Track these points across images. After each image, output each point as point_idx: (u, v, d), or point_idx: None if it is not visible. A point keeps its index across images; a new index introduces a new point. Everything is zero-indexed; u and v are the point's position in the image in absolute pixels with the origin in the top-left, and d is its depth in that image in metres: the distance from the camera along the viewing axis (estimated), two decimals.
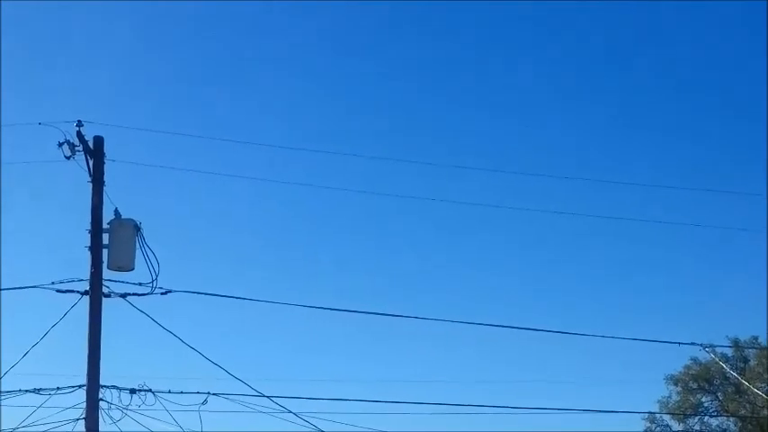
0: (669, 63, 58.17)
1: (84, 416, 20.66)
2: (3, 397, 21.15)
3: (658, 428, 47.36)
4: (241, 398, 21.83)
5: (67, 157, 20.80)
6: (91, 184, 21.09)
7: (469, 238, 55.58)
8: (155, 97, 54.29)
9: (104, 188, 21.13)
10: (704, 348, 30.43)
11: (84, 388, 20.64)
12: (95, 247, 20.88)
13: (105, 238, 20.92)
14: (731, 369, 44.90)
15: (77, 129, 20.67)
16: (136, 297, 21.08)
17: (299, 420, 22.20)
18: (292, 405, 22.09)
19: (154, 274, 21.00)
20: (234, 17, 54.63)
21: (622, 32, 58.09)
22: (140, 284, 21.04)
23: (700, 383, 46.93)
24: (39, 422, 21.26)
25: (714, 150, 58.51)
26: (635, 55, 59.17)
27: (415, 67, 58.22)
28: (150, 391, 21.29)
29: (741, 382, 43.94)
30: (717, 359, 41.18)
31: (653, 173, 56.87)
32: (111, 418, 20.98)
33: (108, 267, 20.90)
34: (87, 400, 20.60)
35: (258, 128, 53.77)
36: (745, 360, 46.40)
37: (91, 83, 51.59)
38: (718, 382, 46.53)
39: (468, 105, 57.86)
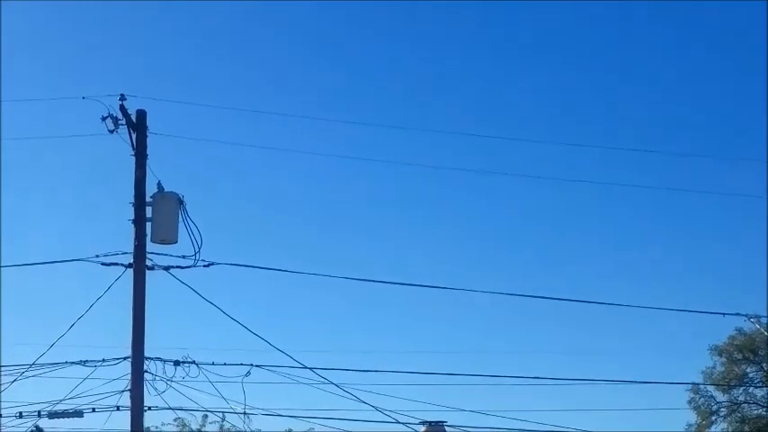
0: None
1: (129, 387, 20.83)
2: (50, 369, 21.39)
3: (702, 399, 47.14)
4: (283, 369, 21.97)
5: (111, 131, 20.91)
6: (134, 158, 21.19)
7: (509, 209, 55.40)
8: (197, 70, 54.36)
9: (147, 161, 21.21)
10: (749, 319, 30.16)
11: (129, 360, 20.79)
12: (139, 221, 20.99)
13: (149, 212, 21.02)
14: None
15: (120, 103, 20.75)
16: (179, 270, 21.21)
17: (340, 392, 22.29)
18: (334, 377, 22.20)
19: (197, 247, 21.12)
20: None
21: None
22: (183, 257, 21.16)
23: (744, 354, 46.62)
24: (84, 393, 21.51)
25: None
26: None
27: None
28: (194, 362, 21.46)
29: None
30: (762, 330, 40.85)
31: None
32: (155, 389, 21.15)
33: (151, 240, 21.00)
34: (132, 372, 20.76)
35: (299, 101, 53.74)
36: None
37: (134, 57, 51.79)
38: (763, 352, 46.20)
39: None
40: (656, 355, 43.93)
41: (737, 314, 26.09)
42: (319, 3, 55.07)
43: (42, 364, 21.25)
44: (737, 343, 46.33)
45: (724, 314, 25.23)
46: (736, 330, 45.56)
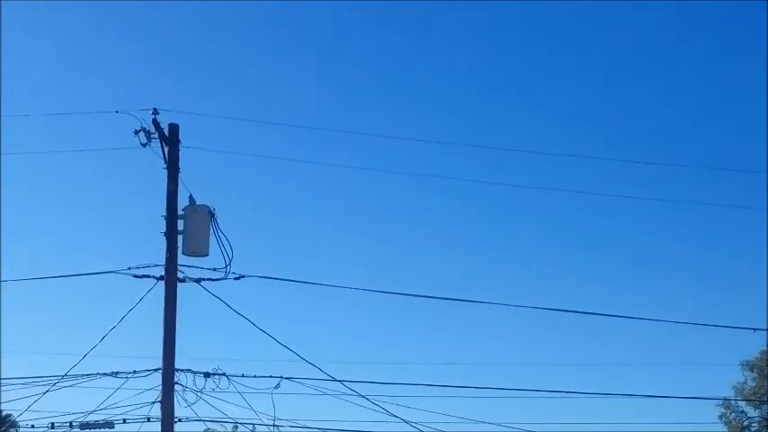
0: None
1: (159, 399, 20.99)
2: (82, 380, 21.58)
3: (733, 414, 46.92)
4: (313, 382, 22.07)
5: (143, 145, 21.08)
6: (166, 171, 21.37)
7: (533, 222, 55.34)
8: (228, 84, 54.66)
9: (179, 174, 21.38)
10: None
11: (160, 371, 20.95)
12: (170, 233, 21.16)
13: (180, 224, 21.19)
14: None
15: (153, 117, 20.90)
16: (210, 282, 21.37)
17: (369, 404, 22.37)
18: (363, 389, 22.29)
19: (227, 260, 21.26)
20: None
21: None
22: (214, 270, 21.31)
23: None
24: (116, 404, 21.67)
25: None
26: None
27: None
28: (224, 374, 21.61)
29: None
30: None
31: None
32: (185, 400, 21.32)
33: (183, 253, 21.16)
34: (163, 384, 20.91)
35: (328, 114, 53.96)
36: None
37: (167, 70, 52.13)
38: None
39: None
40: (688, 370, 43.82)
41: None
42: (348, 17, 55.27)
43: (74, 375, 21.49)
44: None
45: (755, 329, 25.18)
46: None
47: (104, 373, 21.50)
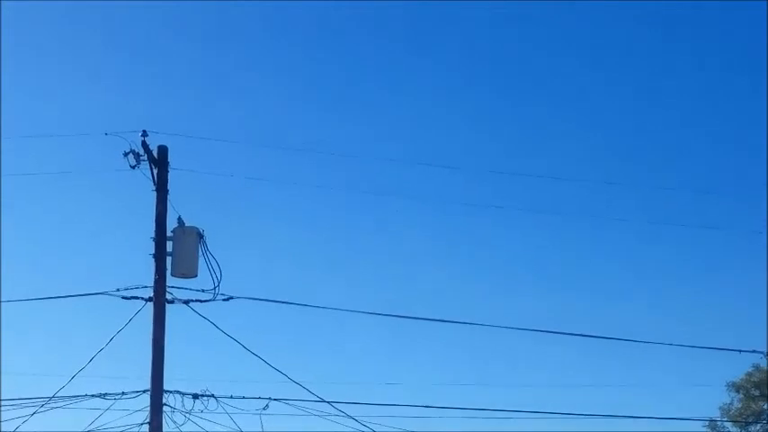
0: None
1: (148, 420, 21.02)
2: (70, 401, 21.62)
3: None
4: (302, 403, 22.14)
5: (132, 167, 21.16)
6: (155, 193, 21.47)
7: (516, 242, 55.43)
8: (219, 105, 54.70)
9: (168, 196, 21.49)
10: (766, 356, 30.22)
11: (149, 392, 20.98)
12: (159, 255, 21.24)
13: (169, 246, 21.28)
14: None
15: (142, 139, 21.01)
16: (199, 303, 21.44)
17: (358, 425, 22.45)
18: (353, 410, 22.36)
19: (216, 281, 21.35)
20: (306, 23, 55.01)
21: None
22: (203, 291, 21.38)
23: (762, 390, 46.51)
24: (104, 426, 21.74)
25: None
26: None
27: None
28: (213, 396, 21.68)
29: None
30: None
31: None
32: (174, 422, 21.41)
33: (172, 274, 21.24)
34: (151, 405, 20.93)
35: (319, 134, 54.05)
36: None
37: (157, 92, 52.19)
38: None
39: None
40: (673, 390, 43.86)
41: (754, 351, 26.15)
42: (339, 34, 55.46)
43: (63, 397, 21.53)
44: (755, 379, 46.23)
45: (740, 351, 25.30)
46: (754, 367, 45.50)
47: (93, 395, 21.60)
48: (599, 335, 25.70)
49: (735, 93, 57.76)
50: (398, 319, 24.13)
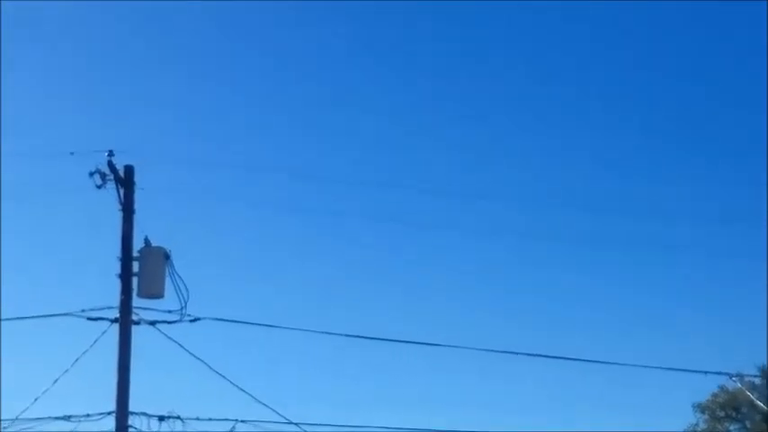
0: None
1: None
2: (34, 423, 21.44)
3: None
4: (268, 424, 22.11)
5: (99, 187, 21.12)
6: (122, 213, 21.39)
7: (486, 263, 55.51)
8: (183, 126, 54.60)
9: (134, 216, 21.42)
10: (731, 378, 30.43)
11: (114, 414, 20.87)
12: (125, 275, 21.17)
13: (135, 266, 21.20)
14: (760, 397, 44.70)
15: (109, 159, 20.99)
16: (165, 324, 21.40)
17: None
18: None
19: (183, 302, 21.29)
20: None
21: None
22: (170, 312, 21.35)
23: (727, 412, 46.76)
24: None
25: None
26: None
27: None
28: (179, 417, 21.59)
29: None
30: (744, 389, 41.07)
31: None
32: None
33: (138, 295, 21.17)
34: (117, 427, 20.85)
35: (290, 155, 54.02)
36: None
37: (124, 111, 52.05)
38: (746, 410, 46.34)
39: None
40: (640, 411, 43.95)
41: (719, 373, 26.33)
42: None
43: (26, 419, 21.32)
44: (720, 401, 46.47)
45: (706, 372, 25.46)
46: (720, 388, 45.74)
47: (57, 417, 21.41)
48: (565, 356, 25.82)
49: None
50: (365, 340, 24.16)
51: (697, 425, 47.02)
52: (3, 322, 22.18)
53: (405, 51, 56.48)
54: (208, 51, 55.02)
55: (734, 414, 46.81)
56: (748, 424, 46.87)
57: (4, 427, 21.44)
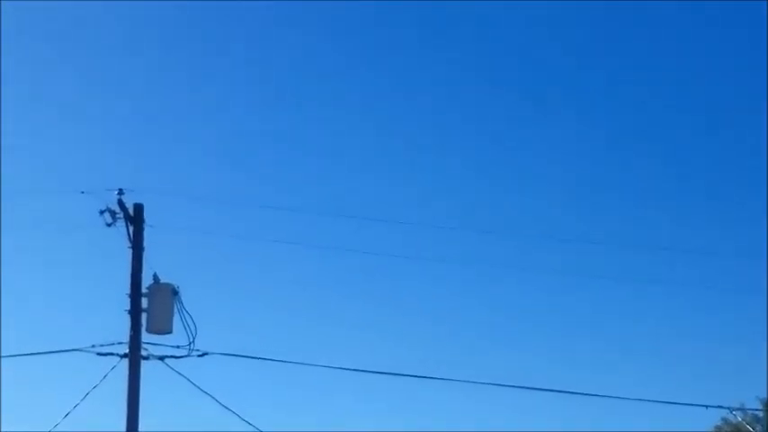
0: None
1: None
2: None
3: None
4: None
5: (108, 225, 21.46)
6: (131, 250, 21.72)
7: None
8: (193, 164, 55.02)
9: (143, 253, 21.73)
10: (732, 412, 30.62)
11: None
12: (134, 311, 21.45)
13: (144, 302, 21.49)
14: (762, 430, 44.80)
15: (118, 197, 21.35)
16: (174, 359, 21.66)
17: None
18: None
19: (191, 337, 21.58)
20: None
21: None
22: (178, 347, 21.63)
23: None
24: None
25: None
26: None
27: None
28: None
29: None
30: (745, 422, 41.21)
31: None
32: None
33: (147, 330, 21.44)
34: None
35: (300, 192, 54.42)
36: None
37: (135, 149, 52.50)
38: None
39: None
40: None
41: (720, 407, 26.49)
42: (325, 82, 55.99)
43: None
44: None
45: (707, 406, 25.58)
46: (723, 420, 45.83)
47: None
48: (564, 390, 25.98)
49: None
50: (375, 374, 24.42)
51: None
52: (15, 358, 22.49)
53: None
54: (217, 89, 55.60)
55: None
56: None
57: None
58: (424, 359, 47.27)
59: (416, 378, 24.89)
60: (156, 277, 21.68)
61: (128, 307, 21.53)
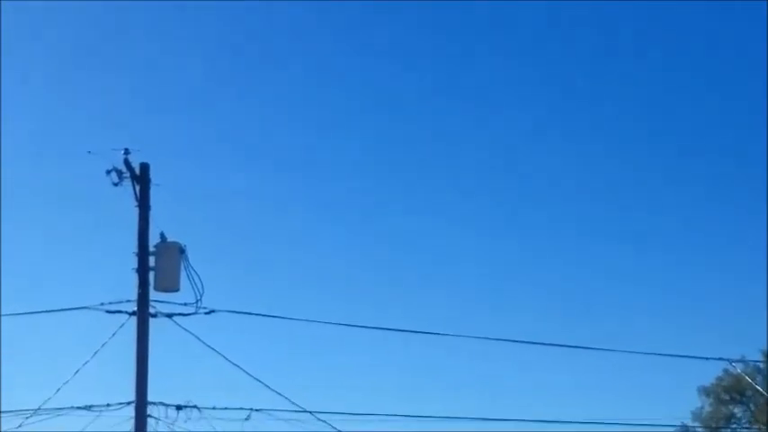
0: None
1: (133, 431, 21.45)
2: (56, 413, 22.00)
3: None
4: (283, 413, 22.58)
5: (115, 184, 21.58)
6: (137, 209, 21.90)
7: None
8: (199, 123, 55.04)
9: (150, 212, 21.88)
10: (731, 364, 30.96)
11: (133, 404, 21.39)
12: (142, 270, 21.64)
13: (152, 261, 21.66)
14: (764, 380, 45.21)
15: (125, 157, 21.45)
16: (181, 317, 21.85)
17: None
18: (334, 420, 22.83)
19: (198, 295, 21.76)
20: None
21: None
22: (185, 305, 21.81)
23: (732, 395, 47.31)
24: None
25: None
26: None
27: None
28: (196, 407, 22.07)
29: None
30: (744, 374, 41.62)
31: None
32: None
33: (154, 289, 21.61)
34: (136, 416, 21.35)
35: (301, 147, 54.52)
36: None
37: (140, 108, 52.54)
38: (751, 393, 46.87)
39: None
40: (646, 395, 44.51)
41: (720, 359, 26.72)
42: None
43: (48, 409, 21.81)
44: (725, 384, 47.00)
45: (707, 358, 25.82)
46: (724, 372, 46.24)
47: (79, 407, 21.89)
48: (572, 344, 26.29)
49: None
50: (377, 330, 24.70)
51: (702, 408, 47.62)
52: (25, 316, 22.74)
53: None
54: (223, 50, 55.58)
55: (738, 397, 47.37)
56: (752, 407, 47.47)
57: (27, 417, 21.99)
58: (420, 314, 47.75)
59: (414, 333, 25.19)
60: (162, 236, 21.82)
61: (135, 265, 21.71)
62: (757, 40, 52.52)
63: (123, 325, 21.60)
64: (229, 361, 22.16)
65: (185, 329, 21.83)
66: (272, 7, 53.50)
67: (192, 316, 21.84)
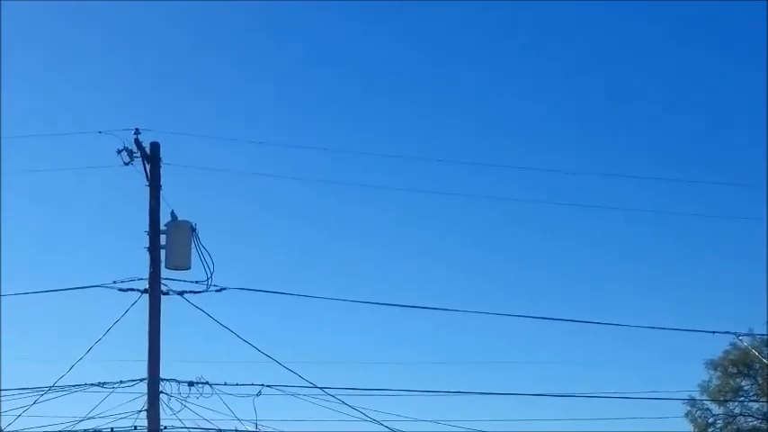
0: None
1: (145, 407, 21.72)
2: (70, 390, 22.29)
3: (699, 412, 47.96)
4: (293, 389, 22.83)
5: (126, 164, 21.80)
6: (148, 188, 22.11)
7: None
8: (209, 102, 55.20)
9: (161, 191, 22.09)
10: (738, 337, 31.12)
11: (146, 381, 21.66)
12: (153, 248, 21.88)
13: (163, 239, 21.88)
14: None
15: (135, 136, 21.65)
16: (192, 294, 22.06)
17: (349, 410, 23.11)
18: (343, 395, 23.06)
19: (209, 273, 21.97)
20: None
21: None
22: (196, 282, 22.02)
23: (739, 368, 47.46)
24: (103, 413, 22.40)
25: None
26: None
27: None
28: (207, 383, 22.30)
29: None
30: (751, 348, 41.75)
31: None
32: (170, 409, 22.00)
33: (166, 267, 21.85)
34: (148, 393, 21.63)
35: (313, 129, 54.64)
36: None
37: (150, 88, 52.73)
38: (758, 366, 47.03)
39: None
40: (653, 368, 44.72)
41: (727, 332, 26.84)
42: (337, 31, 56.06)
43: (62, 386, 22.11)
44: (732, 357, 47.14)
45: (714, 332, 25.93)
46: (732, 345, 46.39)
47: (91, 384, 22.15)
48: (580, 319, 26.47)
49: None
50: (386, 306, 24.89)
51: (710, 381, 47.79)
52: (39, 295, 22.98)
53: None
54: (232, 31, 55.68)
55: (746, 370, 47.54)
56: (760, 380, 47.64)
57: (42, 394, 22.26)
58: (425, 289, 48.01)
59: (426, 309, 25.36)
60: (173, 214, 22.04)
61: (147, 244, 21.94)
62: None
63: (135, 303, 21.86)
64: (240, 337, 22.45)
65: (196, 307, 22.10)
66: None
67: (203, 293, 22.07)
